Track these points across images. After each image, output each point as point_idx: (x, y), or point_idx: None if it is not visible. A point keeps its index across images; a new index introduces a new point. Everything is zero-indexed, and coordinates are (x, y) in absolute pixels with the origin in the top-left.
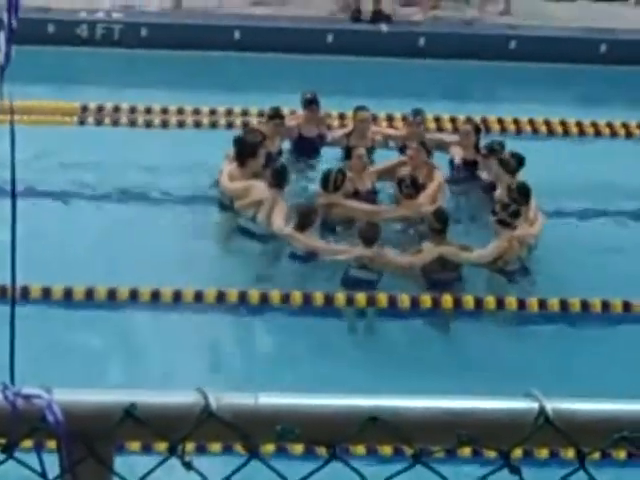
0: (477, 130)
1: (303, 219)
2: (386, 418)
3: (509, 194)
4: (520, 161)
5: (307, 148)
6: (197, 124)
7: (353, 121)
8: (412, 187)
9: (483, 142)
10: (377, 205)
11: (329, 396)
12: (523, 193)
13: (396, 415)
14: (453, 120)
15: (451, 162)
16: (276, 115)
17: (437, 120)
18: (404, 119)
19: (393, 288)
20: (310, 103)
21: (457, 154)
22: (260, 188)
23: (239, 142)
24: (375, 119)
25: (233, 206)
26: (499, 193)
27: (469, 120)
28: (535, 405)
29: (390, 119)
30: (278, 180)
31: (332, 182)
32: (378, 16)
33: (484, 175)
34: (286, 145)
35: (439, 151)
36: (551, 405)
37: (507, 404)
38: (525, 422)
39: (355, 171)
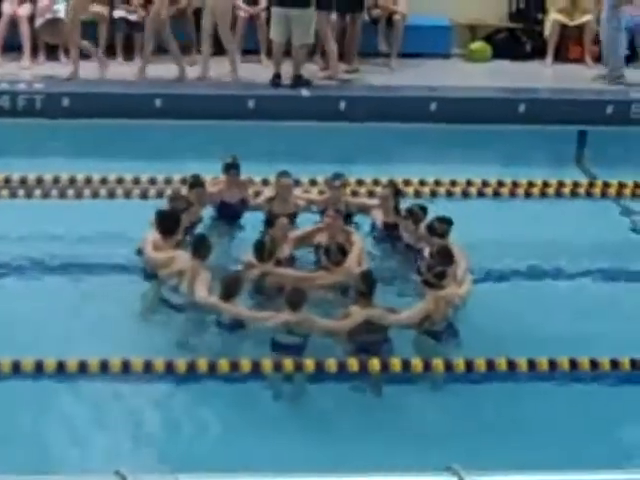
0: (396, 193)
1: (229, 289)
2: None
3: (433, 257)
4: (449, 223)
5: (230, 213)
6: (115, 193)
7: (275, 187)
8: (340, 254)
9: (406, 204)
10: (310, 272)
11: (248, 475)
12: (444, 255)
13: None
14: (376, 182)
15: (373, 225)
16: (197, 183)
17: (360, 183)
18: (326, 183)
19: (320, 352)
20: (230, 168)
21: (378, 217)
22: (183, 258)
23: (162, 215)
24: (298, 183)
25: (156, 275)
26: (428, 254)
27: (389, 184)
28: (455, 479)
29: (313, 183)
30: (199, 250)
31: (267, 251)
32: (298, 81)
33: (405, 237)
34: (208, 211)
35: (361, 214)
36: (470, 478)
37: (428, 479)
38: None
39: (277, 239)
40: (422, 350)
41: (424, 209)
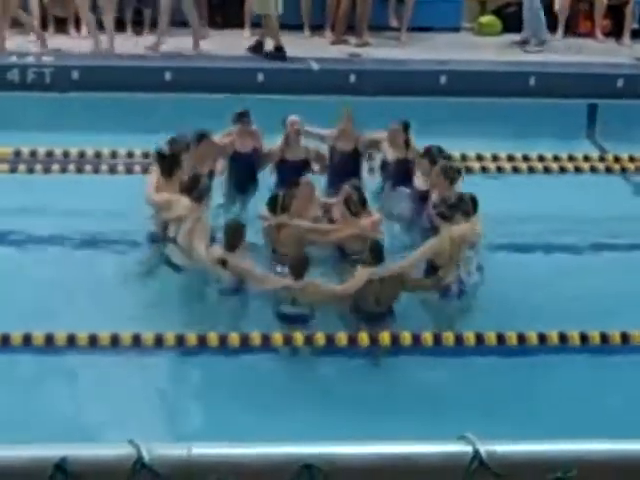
0: (406, 128)
1: (232, 237)
2: (320, 466)
3: (459, 202)
4: (459, 172)
5: (243, 163)
6: (129, 167)
7: (285, 131)
8: (360, 204)
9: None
10: (326, 225)
11: (263, 445)
12: (473, 203)
13: (330, 463)
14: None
15: (383, 162)
16: (203, 136)
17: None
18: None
19: (329, 326)
20: (241, 117)
21: (388, 153)
22: (183, 203)
23: (160, 156)
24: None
25: (162, 238)
26: (437, 197)
27: (396, 121)
28: (469, 448)
29: None
30: (193, 191)
31: (280, 203)
32: (275, 52)
33: (418, 182)
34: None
35: (371, 150)
36: (485, 448)
37: (441, 448)
38: (460, 465)
39: (302, 198)
40: (432, 315)
41: (442, 151)
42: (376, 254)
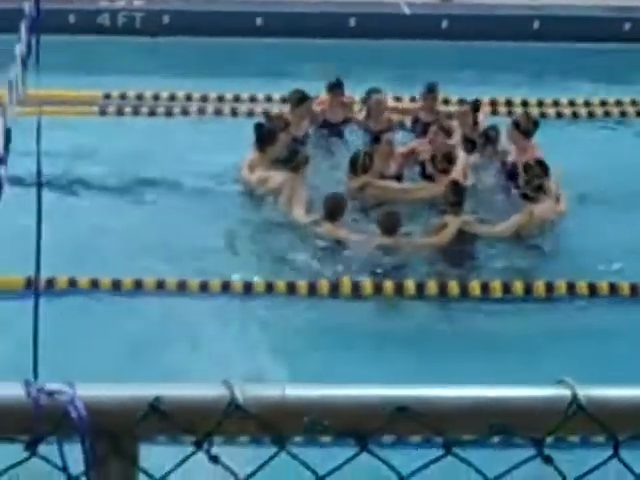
0: (476, 109)
1: (332, 210)
2: (416, 408)
3: (527, 171)
4: (535, 123)
5: (333, 132)
6: (219, 111)
7: (367, 104)
8: (446, 162)
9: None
10: (408, 184)
11: (357, 387)
12: (541, 168)
13: (426, 405)
14: (477, 101)
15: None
16: (303, 100)
17: (461, 102)
18: (420, 95)
19: (415, 270)
20: (334, 87)
21: (457, 132)
22: (278, 175)
23: (259, 129)
24: (399, 100)
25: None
26: (516, 157)
27: (467, 101)
28: (568, 393)
29: (413, 100)
30: (293, 161)
31: (360, 164)
32: None
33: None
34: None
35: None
36: (584, 392)
37: (539, 392)
38: (558, 410)
39: (383, 156)
40: (514, 265)
41: (498, 132)
42: (458, 193)
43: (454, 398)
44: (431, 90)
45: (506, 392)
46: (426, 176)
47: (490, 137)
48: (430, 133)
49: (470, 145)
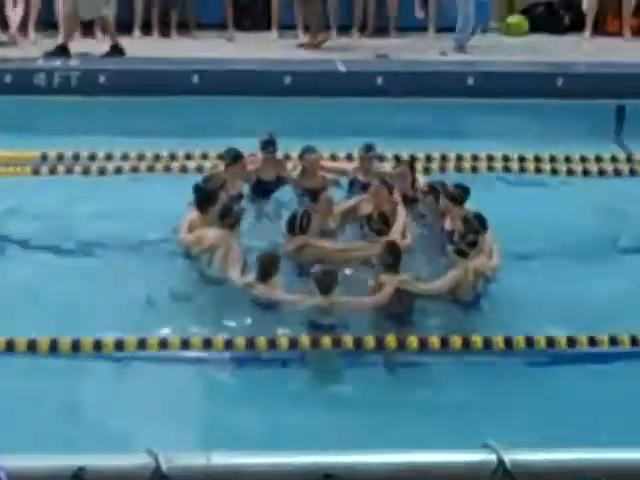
0: (412, 168)
1: (266, 268)
2: (342, 475)
3: (464, 225)
4: (466, 191)
5: (265, 191)
6: (153, 169)
7: (302, 163)
8: (382, 223)
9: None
10: (349, 244)
11: (283, 454)
12: (480, 221)
13: (352, 472)
14: (412, 158)
15: None
16: (237, 159)
17: (396, 158)
18: (358, 154)
19: (353, 329)
20: (267, 145)
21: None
22: (213, 232)
23: (200, 191)
24: (334, 157)
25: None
26: (450, 224)
27: (404, 161)
28: (493, 457)
29: (349, 159)
30: (227, 218)
31: (298, 224)
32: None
33: (425, 213)
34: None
35: None
36: (509, 456)
37: (465, 457)
38: (484, 474)
39: (322, 214)
40: (450, 322)
41: (444, 185)
42: (394, 254)
43: (380, 464)
44: (368, 150)
45: (432, 457)
46: (365, 235)
47: (430, 195)
48: (372, 188)
49: (409, 203)
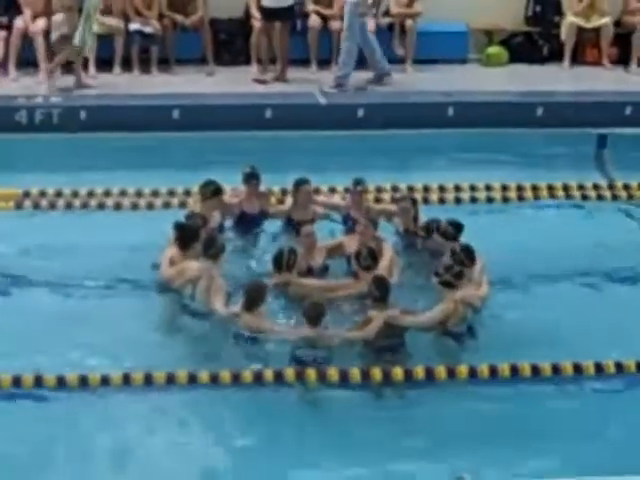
0: (414, 203)
1: (252, 298)
2: None
3: (453, 257)
4: (458, 227)
5: (249, 224)
6: (136, 205)
7: (294, 195)
8: (370, 259)
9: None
10: (335, 281)
11: None
12: (467, 254)
13: None
14: (395, 189)
15: (397, 231)
16: (215, 193)
17: (378, 191)
18: (346, 190)
19: (339, 360)
20: (250, 178)
21: (400, 225)
22: (194, 265)
23: (182, 229)
24: (317, 191)
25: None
26: (444, 258)
27: (406, 196)
28: None
29: (333, 191)
30: (209, 249)
31: (285, 262)
32: None
33: (426, 246)
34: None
35: (383, 220)
36: None
37: None
38: None
39: (306, 248)
40: (441, 353)
41: (438, 222)
42: (382, 288)
43: None
44: (357, 184)
45: None
46: (352, 271)
47: (432, 230)
48: (359, 226)
49: (411, 237)
